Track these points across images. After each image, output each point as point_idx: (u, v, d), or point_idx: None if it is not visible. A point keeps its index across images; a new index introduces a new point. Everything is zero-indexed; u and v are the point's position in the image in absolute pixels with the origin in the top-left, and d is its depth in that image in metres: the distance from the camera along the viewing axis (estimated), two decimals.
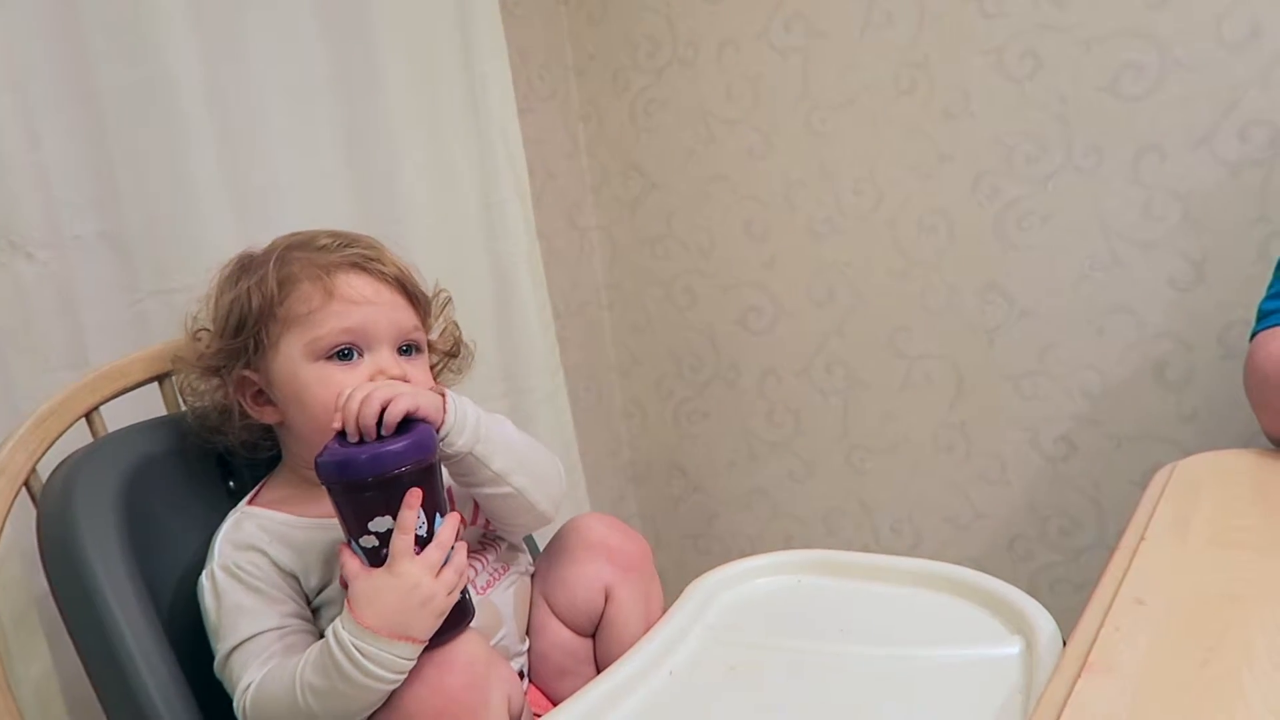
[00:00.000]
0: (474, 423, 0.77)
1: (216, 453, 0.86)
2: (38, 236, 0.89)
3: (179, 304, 0.89)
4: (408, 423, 0.71)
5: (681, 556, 1.73)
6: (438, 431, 0.74)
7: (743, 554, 0.90)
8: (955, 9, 1.31)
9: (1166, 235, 1.26)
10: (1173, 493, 0.79)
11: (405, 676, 0.69)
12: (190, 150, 0.98)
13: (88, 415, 0.83)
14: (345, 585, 0.71)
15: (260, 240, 0.85)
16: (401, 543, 0.69)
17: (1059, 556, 1.43)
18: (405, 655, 0.68)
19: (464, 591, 0.73)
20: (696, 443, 1.68)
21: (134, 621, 0.71)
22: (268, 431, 0.84)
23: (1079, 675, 0.55)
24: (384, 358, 0.79)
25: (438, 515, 0.71)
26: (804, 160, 1.46)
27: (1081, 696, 0.53)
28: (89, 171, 0.94)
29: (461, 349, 0.93)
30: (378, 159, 1.18)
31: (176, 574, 0.79)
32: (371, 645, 0.67)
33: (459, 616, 0.72)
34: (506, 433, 0.81)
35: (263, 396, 0.81)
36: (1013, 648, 0.72)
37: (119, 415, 0.85)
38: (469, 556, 0.81)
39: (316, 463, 0.69)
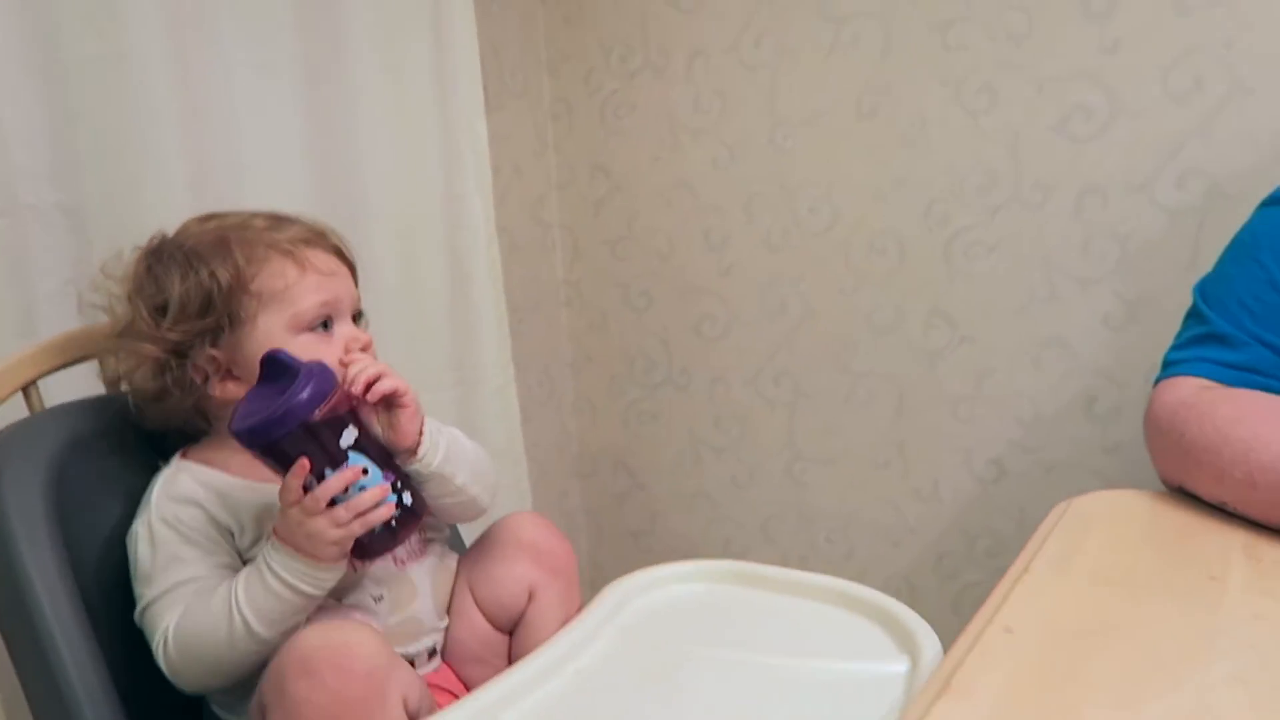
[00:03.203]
0: (444, 443, 0.83)
1: (149, 434, 0.87)
2: None
3: None
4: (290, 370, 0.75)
5: (622, 552, 1.76)
6: (416, 450, 0.80)
7: (682, 554, 0.93)
8: (920, 39, 1.34)
9: (1104, 274, 1.30)
10: (1064, 528, 0.83)
11: (323, 588, 0.76)
12: (152, 125, 1.00)
13: (25, 389, 0.84)
14: None
15: None
16: (287, 492, 0.74)
17: (983, 575, 1.47)
18: (316, 571, 0.75)
19: (396, 497, 0.77)
20: (644, 443, 1.71)
21: (57, 602, 0.73)
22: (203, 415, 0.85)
23: (938, 698, 0.58)
24: (350, 326, 0.84)
25: (328, 469, 0.74)
26: (765, 174, 1.49)
27: (936, 718, 0.57)
28: (48, 141, 0.95)
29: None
30: (341, 143, 1.20)
31: (106, 555, 0.80)
32: (285, 556, 0.75)
33: (396, 526, 0.77)
34: (462, 445, 0.86)
35: (224, 373, 0.82)
36: (900, 666, 0.75)
37: (59, 391, 0.87)
38: None
39: (233, 430, 0.73)
